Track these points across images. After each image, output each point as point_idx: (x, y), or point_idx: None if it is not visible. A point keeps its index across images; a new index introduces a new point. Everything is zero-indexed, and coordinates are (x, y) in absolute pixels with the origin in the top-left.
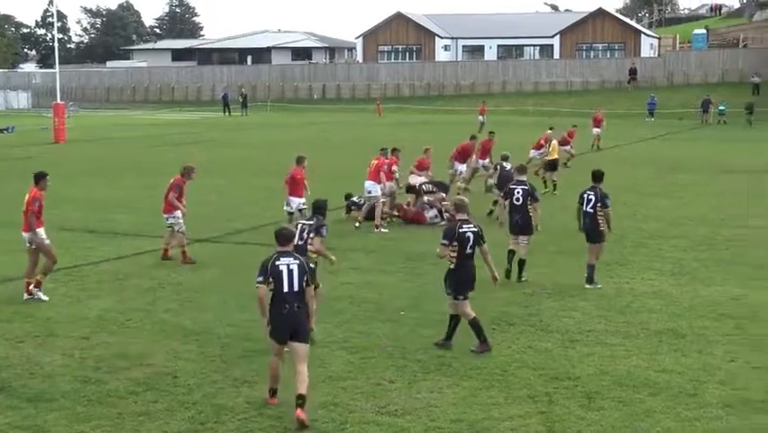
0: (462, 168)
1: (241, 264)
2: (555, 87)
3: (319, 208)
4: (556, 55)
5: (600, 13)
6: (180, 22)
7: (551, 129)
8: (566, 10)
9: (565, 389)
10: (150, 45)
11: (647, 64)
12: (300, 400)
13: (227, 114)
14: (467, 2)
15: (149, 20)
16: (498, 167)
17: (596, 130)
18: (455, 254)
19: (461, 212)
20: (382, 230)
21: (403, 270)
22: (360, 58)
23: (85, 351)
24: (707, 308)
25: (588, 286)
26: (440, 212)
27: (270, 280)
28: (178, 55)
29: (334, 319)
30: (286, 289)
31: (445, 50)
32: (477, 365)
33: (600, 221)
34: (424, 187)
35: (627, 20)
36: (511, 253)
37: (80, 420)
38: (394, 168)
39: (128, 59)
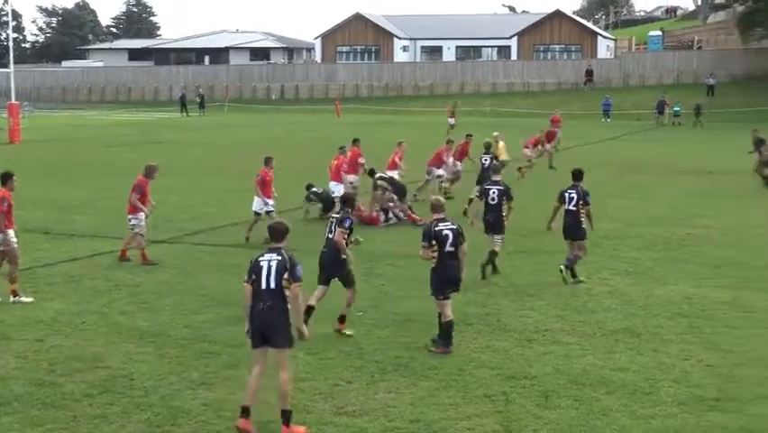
0: (440, 172)
1: (198, 265)
2: (513, 88)
3: (347, 201)
4: (514, 56)
5: (557, 15)
6: (137, 21)
7: (541, 131)
8: (523, 11)
9: (522, 388)
10: (106, 45)
11: (604, 65)
12: (284, 417)
13: (184, 114)
14: (425, 3)
15: (105, 19)
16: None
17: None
18: (436, 254)
19: (437, 212)
20: None
21: (361, 270)
22: (318, 58)
23: (39, 353)
24: (661, 307)
25: (571, 280)
26: (385, 212)
27: (253, 276)
28: (134, 55)
29: None
30: (263, 286)
31: (404, 50)
32: (434, 365)
33: (582, 219)
34: (378, 182)
35: (584, 22)
36: (494, 253)
37: (34, 424)
38: (397, 160)
39: (84, 58)
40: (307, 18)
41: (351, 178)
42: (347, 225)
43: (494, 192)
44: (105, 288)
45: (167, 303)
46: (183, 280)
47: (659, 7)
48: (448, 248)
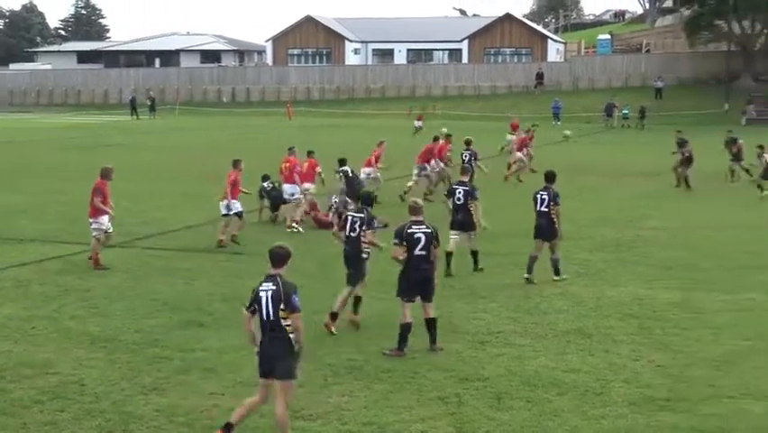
0: (429, 170)
1: (149, 270)
2: (464, 91)
3: (367, 200)
4: (465, 59)
5: (508, 19)
6: (86, 23)
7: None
8: (474, 15)
9: (475, 390)
10: (54, 47)
11: (554, 69)
12: None
13: (135, 117)
14: (376, 6)
15: (54, 21)
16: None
17: (510, 137)
18: (406, 255)
19: (413, 214)
20: (298, 229)
21: (315, 274)
22: (269, 61)
23: None
24: (612, 308)
25: (556, 278)
26: (340, 216)
27: (255, 306)
28: (83, 57)
29: None
30: (264, 317)
31: (355, 53)
32: (388, 368)
33: (554, 218)
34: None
35: (534, 25)
36: (449, 254)
37: None
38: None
39: (32, 61)
40: (258, 21)
41: (368, 170)
42: (375, 225)
43: (460, 192)
44: (54, 293)
45: (118, 308)
46: (134, 284)
47: (608, 11)
48: (418, 251)
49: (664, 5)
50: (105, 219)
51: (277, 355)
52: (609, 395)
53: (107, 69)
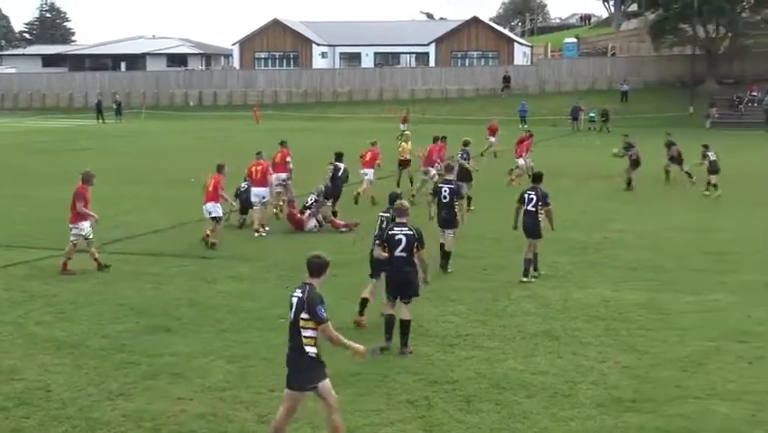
0: (434, 172)
1: (116, 275)
2: (431, 94)
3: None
4: (432, 63)
5: (475, 22)
6: (51, 27)
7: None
8: (441, 18)
9: (444, 393)
10: (19, 51)
11: (520, 72)
12: None
13: (101, 121)
14: (343, 10)
15: (18, 25)
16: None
17: (492, 139)
18: (387, 255)
19: (398, 216)
20: (262, 234)
21: (282, 277)
22: (236, 64)
23: None
24: (579, 310)
25: (524, 279)
26: (319, 223)
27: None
28: (48, 61)
29: (212, 329)
30: (290, 322)
31: (322, 57)
32: (357, 372)
33: (540, 218)
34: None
35: (501, 29)
36: (446, 252)
37: None
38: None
39: None
40: (225, 24)
41: (367, 171)
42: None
43: (445, 191)
44: (20, 298)
45: (84, 313)
46: (101, 289)
47: (573, 15)
48: (398, 252)
49: (629, 9)
50: (86, 225)
51: (295, 366)
52: (577, 397)
53: (72, 73)
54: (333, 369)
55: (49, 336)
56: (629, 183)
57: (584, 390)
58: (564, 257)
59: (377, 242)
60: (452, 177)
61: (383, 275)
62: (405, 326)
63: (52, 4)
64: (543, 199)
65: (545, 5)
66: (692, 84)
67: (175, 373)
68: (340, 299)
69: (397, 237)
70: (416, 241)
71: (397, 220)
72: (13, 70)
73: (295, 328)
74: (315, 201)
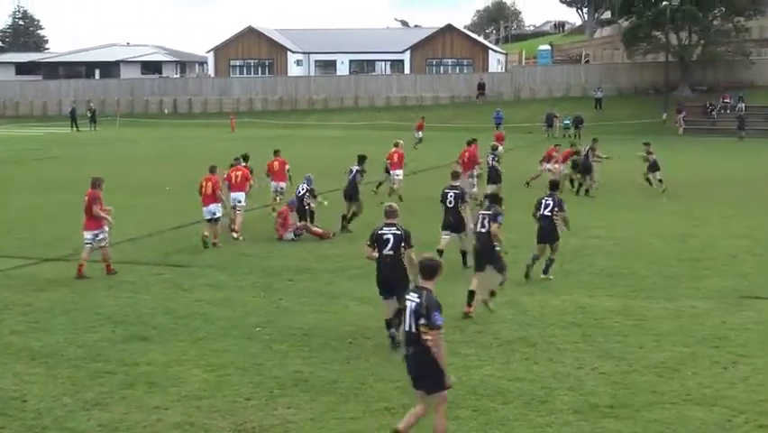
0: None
1: (91, 283)
2: (406, 101)
3: (495, 198)
4: (407, 70)
5: (449, 30)
6: (24, 35)
7: (557, 145)
8: (416, 26)
9: None
10: None
11: (495, 79)
12: None
13: (75, 129)
14: (318, 17)
15: None
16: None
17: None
18: (377, 255)
19: (387, 217)
20: (239, 239)
21: (258, 285)
22: (211, 72)
23: None
24: (556, 316)
25: (543, 276)
26: (296, 235)
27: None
28: (22, 69)
29: (188, 337)
30: (405, 327)
31: (298, 64)
32: (334, 380)
33: (557, 222)
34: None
35: (475, 36)
36: (440, 252)
37: None
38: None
39: None
40: (199, 32)
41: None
42: (500, 221)
43: (451, 196)
44: None
45: (59, 322)
46: (76, 298)
47: (547, 22)
48: (386, 251)
49: (603, 17)
50: (107, 228)
51: (420, 369)
52: (554, 403)
53: (46, 81)
54: (311, 376)
55: (23, 346)
56: (649, 182)
57: (561, 396)
58: (541, 264)
59: (367, 243)
60: (457, 183)
61: (487, 268)
62: (398, 314)
63: (25, 11)
64: (559, 205)
65: (520, 13)
66: (666, 91)
67: (151, 382)
68: (306, 304)
69: (385, 237)
70: (402, 240)
71: (386, 221)
72: None
73: (414, 335)
74: (309, 190)
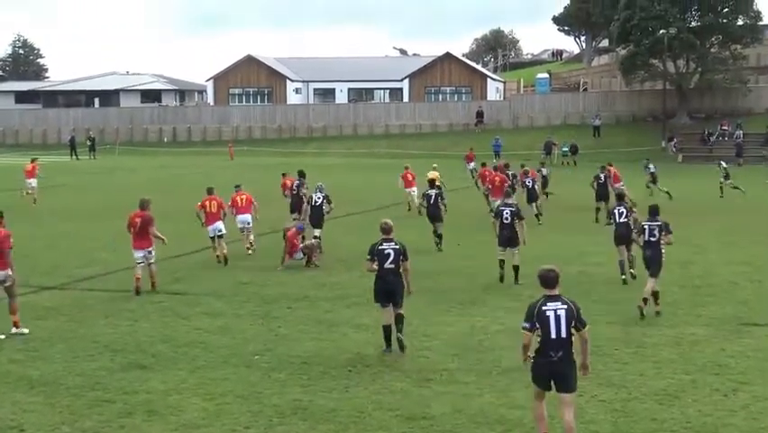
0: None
1: (90, 312)
2: (405, 129)
3: (657, 209)
4: (405, 98)
5: (448, 58)
6: (24, 63)
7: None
8: (414, 54)
9: (421, 429)
10: None
11: (493, 107)
12: None
13: (74, 158)
14: (316, 47)
15: None
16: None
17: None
18: (377, 268)
19: (384, 233)
20: (250, 252)
21: (257, 313)
22: (210, 100)
23: None
24: None
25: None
26: (304, 254)
27: (537, 326)
28: (21, 97)
29: (188, 366)
30: (553, 335)
31: (296, 92)
32: (333, 408)
33: (663, 248)
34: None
35: (474, 64)
36: (502, 261)
37: None
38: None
39: None
40: (199, 60)
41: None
42: (671, 230)
43: (507, 213)
44: None
45: (58, 351)
46: (75, 327)
47: (545, 50)
48: (387, 265)
49: (601, 45)
50: (153, 247)
51: (567, 370)
52: (555, 431)
53: (46, 110)
54: (310, 404)
55: (22, 375)
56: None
57: (562, 424)
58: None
59: (368, 258)
60: (510, 200)
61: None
62: (399, 318)
63: (25, 40)
64: (666, 229)
65: (517, 41)
66: (664, 118)
67: (150, 411)
68: (304, 332)
69: (386, 252)
70: (401, 254)
71: (384, 237)
72: None
73: (566, 339)
74: (326, 197)
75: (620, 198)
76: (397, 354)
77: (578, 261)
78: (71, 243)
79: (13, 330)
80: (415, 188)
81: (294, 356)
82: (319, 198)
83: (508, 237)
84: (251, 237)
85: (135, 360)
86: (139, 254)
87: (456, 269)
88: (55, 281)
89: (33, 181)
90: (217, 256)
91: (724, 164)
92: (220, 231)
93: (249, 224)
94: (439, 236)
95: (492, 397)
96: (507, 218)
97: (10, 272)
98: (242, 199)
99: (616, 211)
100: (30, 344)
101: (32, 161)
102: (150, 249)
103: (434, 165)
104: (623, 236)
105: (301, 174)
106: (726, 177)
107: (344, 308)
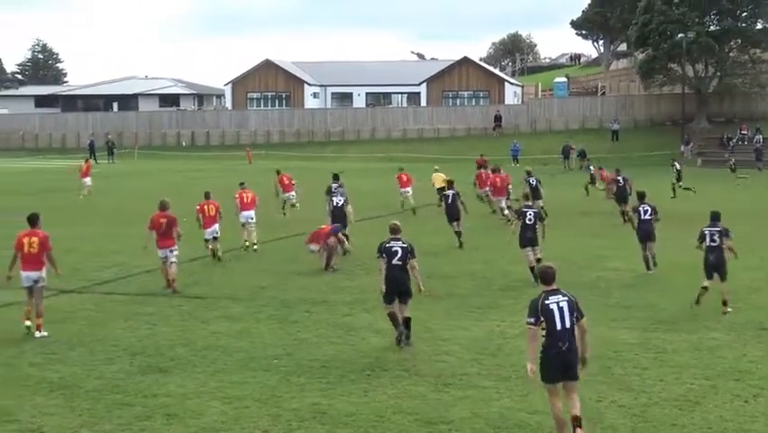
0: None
1: (109, 315)
2: (423, 133)
3: (718, 215)
4: (423, 103)
5: (465, 62)
6: (43, 68)
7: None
8: (432, 59)
9: None
10: (11, 91)
11: (511, 111)
12: (576, 422)
13: (93, 161)
14: (334, 51)
15: (10, 65)
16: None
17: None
18: (386, 265)
19: (393, 233)
20: (255, 248)
21: (275, 317)
22: (229, 105)
23: None
24: None
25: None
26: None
27: (542, 319)
28: (41, 102)
29: (207, 369)
30: (558, 327)
31: (314, 97)
32: (352, 412)
33: (725, 253)
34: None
35: (491, 68)
36: (533, 268)
37: None
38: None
39: None
40: (217, 65)
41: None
42: (732, 235)
43: (530, 214)
44: (12, 339)
45: (77, 354)
46: (94, 330)
47: (563, 54)
48: (395, 261)
49: (619, 49)
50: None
51: (574, 359)
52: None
53: (65, 114)
54: (329, 408)
55: (42, 378)
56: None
57: (570, 413)
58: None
59: (377, 255)
60: (530, 202)
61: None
62: (407, 322)
63: (45, 44)
64: (726, 234)
65: (535, 45)
66: (683, 123)
67: (169, 415)
68: (324, 336)
69: (393, 249)
70: (409, 252)
71: (392, 236)
72: (5, 111)
73: (570, 329)
74: (345, 200)
75: (642, 196)
76: (415, 358)
77: (595, 265)
78: (90, 246)
79: (37, 334)
80: (409, 189)
81: (313, 360)
82: (340, 199)
83: (531, 238)
84: (254, 235)
85: (154, 363)
86: (162, 253)
87: (473, 272)
88: (74, 285)
89: (88, 180)
90: (212, 250)
91: (677, 165)
92: (216, 233)
93: (252, 219)
94: (458, 234)
95: (511, 401)
96: (530, 219)
97: (44, 274)
98: (246, 196)
99: (641, 209)
100: (49, 347)
101: (86, 160)
102: (172, 248)
103: (436, 167)
104: (647, 233)
105: (336, 177)
106: (679, 179)
107: (363, 312)
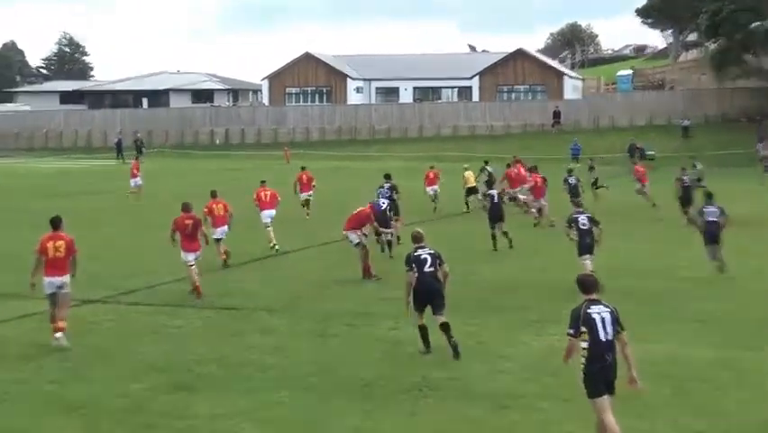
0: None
1: (134, 328)
2: (475, 130)
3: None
4: (475, 97)
5: (520, 54)
6: (69, 62)
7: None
8: (484, 51)
9: None
10: (35, 87)
11: (571, 106)
12: None
13: (121, 161)
14: (380, 43)
15: (35, 60)
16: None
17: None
18: (417, 275)
19: (416, 242)
20: (276, 248)
21: (314, 330)
22: (266, 100)
23: None
24: (644, 367)
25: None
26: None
27: (583, 330)
28: (66, 98)
29: (239, 388)
30: (602, 338)
31: (357, 92)
32: None
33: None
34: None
35: (549, 61)
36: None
37: None
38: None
39: (11, 101)
40: (253, 59)
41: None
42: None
43: (583, 219)
44: (32, 353)
45: (99, 370)
46: (118, 344)
47: (627, 46)
48: (427, 268)
49: (688, 39)
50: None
51: (615, 375)
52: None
53: (92, 111)
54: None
55: (61, 396)
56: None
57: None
58: (623, 306)
59: (406, 268)
60: (581, 207)
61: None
62: (446, 327)
63: (71, 38)
64: (721, 212)
65: (596, 36)
66: (759, 119)
67: None
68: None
69: (422, 257)
70: (438, 258)
71: (417, 244)
72: (28, 107)
73: (613, 342)
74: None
75: (709, 196)
76: (468, 377)
77: (663, 275)
78: (114, 253)
79: (57, 335)
80: (436, 187)
81: (354, 379)
82: (384, 202)
83: (589, 244)
84: (271, 233)
85: (182, 381)
86: (190, 257)
87: (529, 282)
88: (97, 295)
89: (138, 180)
90: (222, 256)
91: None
92: (224, 234)
93: (271, 218)
94: (505, 233)
95: (575, 425)
96: (584, 224)
97: (68, 279)
98: (266, 195)
99: (705, 210)
100: (69, 363)
101: (136, 158)
102: (197, 253)
103: (465, 166)
104: (713, 235)
105: (387, 177)
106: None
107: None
